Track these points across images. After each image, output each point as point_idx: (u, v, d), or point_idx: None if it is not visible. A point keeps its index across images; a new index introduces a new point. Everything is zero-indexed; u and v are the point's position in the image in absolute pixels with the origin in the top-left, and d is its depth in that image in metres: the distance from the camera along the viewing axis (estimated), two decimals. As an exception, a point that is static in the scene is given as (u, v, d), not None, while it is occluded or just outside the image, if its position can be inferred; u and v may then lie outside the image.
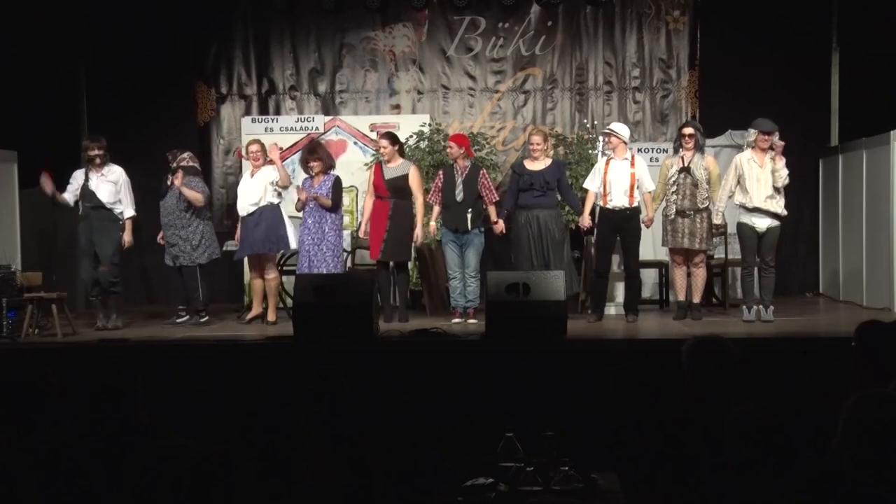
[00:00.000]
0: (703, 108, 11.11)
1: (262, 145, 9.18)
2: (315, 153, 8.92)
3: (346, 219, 10.58)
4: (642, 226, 8.88)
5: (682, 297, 8.72)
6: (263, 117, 11.21)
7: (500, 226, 8.94)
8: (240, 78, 11.50)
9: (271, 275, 9.02)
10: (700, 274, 8.71)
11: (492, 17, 11.29)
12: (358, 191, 10.62)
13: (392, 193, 8.87)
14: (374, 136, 10.73)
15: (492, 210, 8.95)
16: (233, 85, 11.50)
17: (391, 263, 8.97)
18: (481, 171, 9.02)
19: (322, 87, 11.45)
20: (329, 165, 8.94)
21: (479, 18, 11.31)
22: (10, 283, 8.37)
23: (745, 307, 8.58)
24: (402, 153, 9.11)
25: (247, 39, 11.45)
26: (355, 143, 10.76)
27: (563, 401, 6.08)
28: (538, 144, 8.92)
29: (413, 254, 9.36)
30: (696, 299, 8.72)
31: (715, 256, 9.67)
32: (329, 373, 4.02)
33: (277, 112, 11.39)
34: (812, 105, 11.05)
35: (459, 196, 8.85)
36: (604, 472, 4.09)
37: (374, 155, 10.45)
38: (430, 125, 10.71)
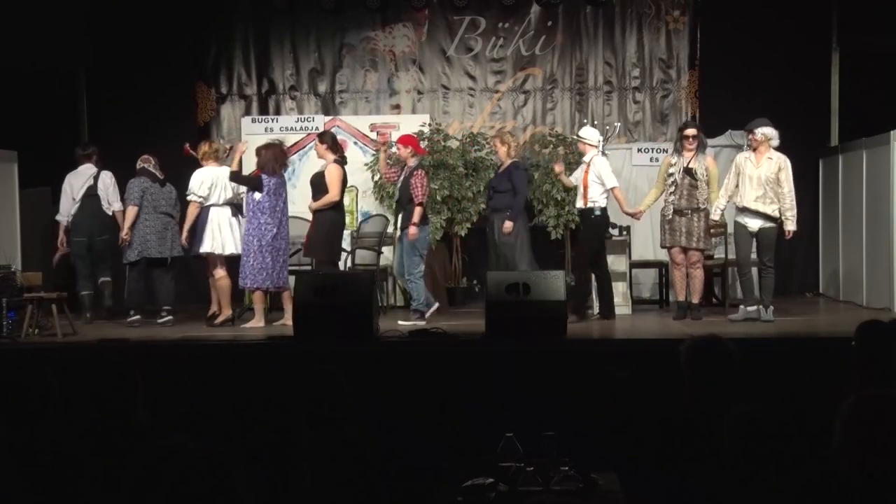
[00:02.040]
0: (703, 108, 11.12)
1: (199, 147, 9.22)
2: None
3: (347, 218, 10.60)
4: (642, 223, 8.96)
5: (681, 298, 8.72)
6: (263, 117, 11.22)
7: (413, 230, 8.77)
8: (240, 78, 11.50)
9: (218, 274, 9.01)
10: (697, 275, 8.70)
11: (492, 17, 11.29)
12: (358, 191, 10.64)
13: (311, 190, 8.92)
14: (374, 136, 10.75)
15: (415, 212, 8.79)
16: (233, 85, 11.50)
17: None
18: (415, 171, 8.90)
19: (322, 87, 11.45)
20: (261, 166, 8.74)
21: (479, 18, 11.31)
22: (10, 283, 8.37)
23: (742, 307, 8.56)
24: (335, 151, 8.92)
25: (247, 39, 11.46)
26: (355, 143, 10.76)
27: (563, 401, 6.08)
28: (495, 148, 9.28)
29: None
30: (695, 300, 8.71)
31: (715, 256, 9.67)
32: (329, 373, 4.02)
33: (277, 112, 11.39)
34: (812, 105, 11.04)
35: (397, 195, 9.01)
36: (604, 472, 4.08)
37: (374, 155, 10.46)
38: (430, 125, 10.71)
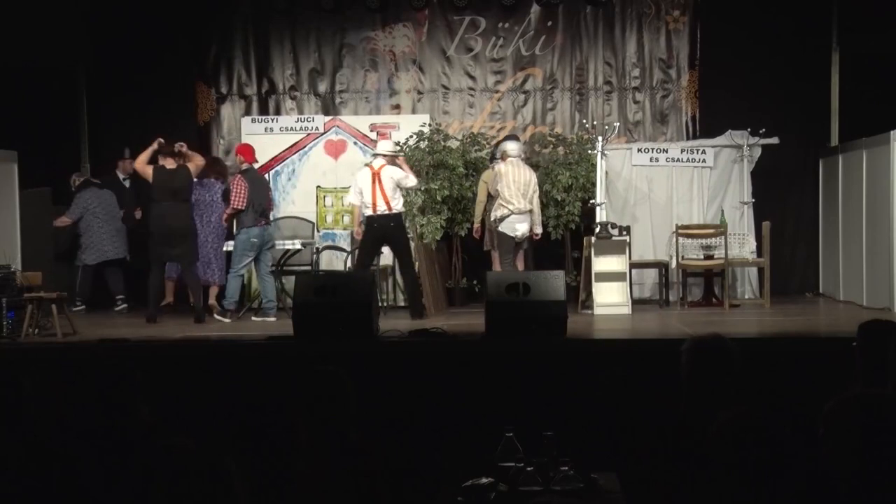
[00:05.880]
0: (703, 108, 11.12)
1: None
2: None
3: (346, 219, 10.62)
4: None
5: None
6: (263, 117, 11.21)
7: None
8: (240, 78, 11.50)
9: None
10: None
11: (492, 17, 11.29)
12: (358, 191, 10.65)
13: None
14: (374, 136, 10.75)
15: (225, 213, 9.52)
16: (233, 85, 11.51)
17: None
18: (235, 176, 9.33)
19: (322, 87, 11.45)
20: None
21: (479, 18, 11.31)
22: (10, 283, 8.37)
23: None
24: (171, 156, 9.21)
25: (247, 39, 11.46)
26: (355, 143, 10.75)
27: (563, 401, 6.07)
28: None
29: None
30: None
31: (715, 256, 9.67)
32: (332, 373, 4.01)
33: (277, 112, 11.39)
34: (812, 105, 11.04)
35: None
36: (604, 472, 4.08)
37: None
38: (430, 125, 10.71)
